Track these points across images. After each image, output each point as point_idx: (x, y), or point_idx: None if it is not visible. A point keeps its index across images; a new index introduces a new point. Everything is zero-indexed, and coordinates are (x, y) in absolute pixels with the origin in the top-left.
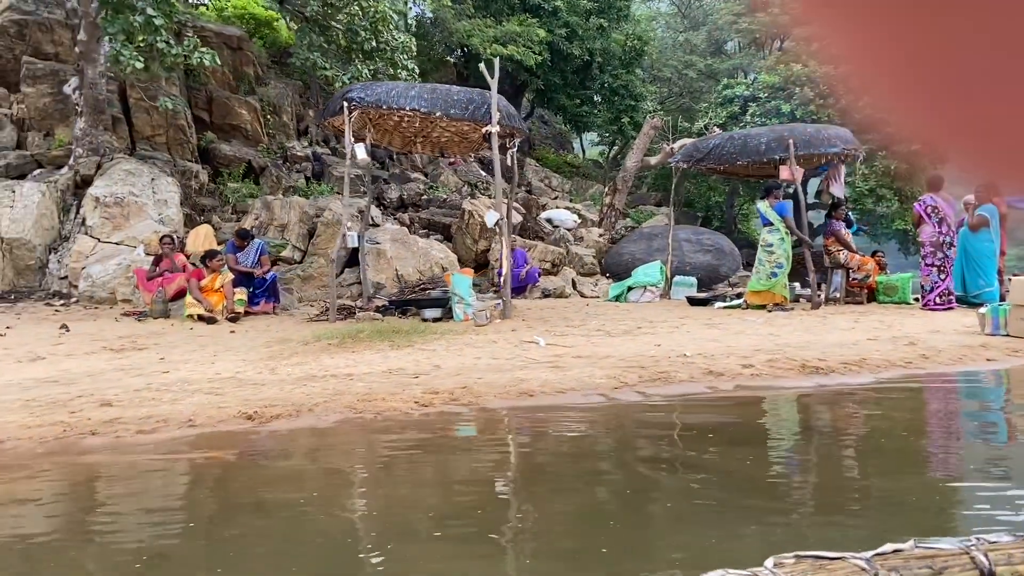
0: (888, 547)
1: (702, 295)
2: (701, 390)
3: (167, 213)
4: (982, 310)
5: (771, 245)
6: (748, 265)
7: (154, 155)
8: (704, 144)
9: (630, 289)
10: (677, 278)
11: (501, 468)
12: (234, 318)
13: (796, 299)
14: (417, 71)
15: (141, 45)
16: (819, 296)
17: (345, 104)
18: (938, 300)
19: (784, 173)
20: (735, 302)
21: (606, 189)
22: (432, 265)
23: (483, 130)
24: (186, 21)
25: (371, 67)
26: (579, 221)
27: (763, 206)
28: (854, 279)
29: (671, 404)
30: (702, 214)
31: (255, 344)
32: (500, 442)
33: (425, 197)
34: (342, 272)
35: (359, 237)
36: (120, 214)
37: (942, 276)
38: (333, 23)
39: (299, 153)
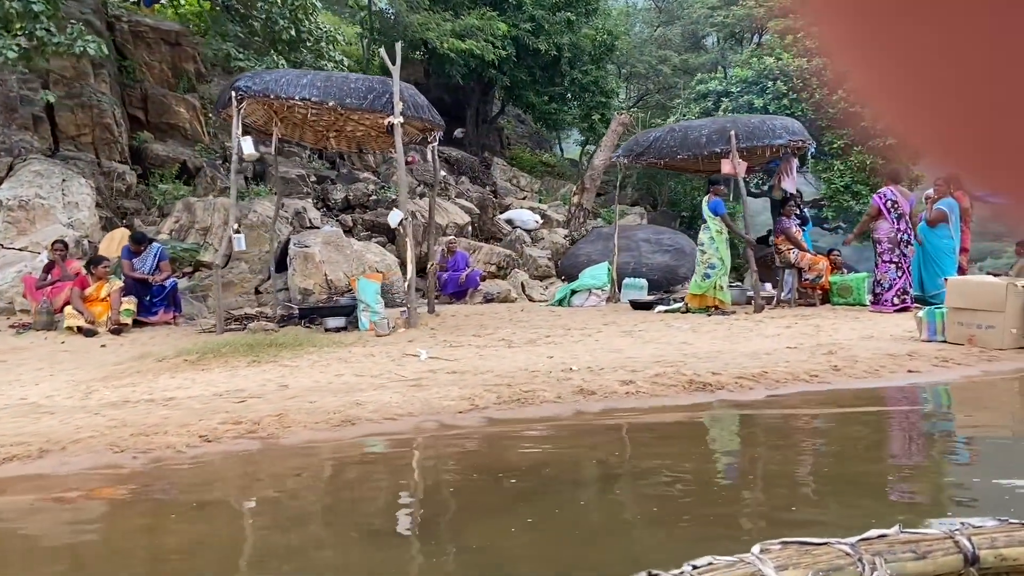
0: (874, 532)
1: (647, 299)
2: (559, 413)
3: (78, 216)
4: (920, 313)
5: (703, 244)
6: None
7: (78, 155)
8: (644, 137)
9: (574, 293)
10: (627, 280)
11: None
12: (117, 330)
13: (749, 300)
14: (346, 63)
15: (19, 34)
16: (762, 301)
17: (233, 94)
18: (895, 300)
19: (726, 167)
20: (676, 306)
21: (574, 188)
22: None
23: (385, 122)
24: (71, 11)
25: (297, 58)
26: (540, 222)
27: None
28: (806, 279)
29: (500, 433)
30: (688, 214)
31: (109, 361)
32: (227, 506)
33: (374, 198)
34: (268, 277)
35: (290, 242)
36: (25, 218)
37: (899, 274)
38: (253, 12)
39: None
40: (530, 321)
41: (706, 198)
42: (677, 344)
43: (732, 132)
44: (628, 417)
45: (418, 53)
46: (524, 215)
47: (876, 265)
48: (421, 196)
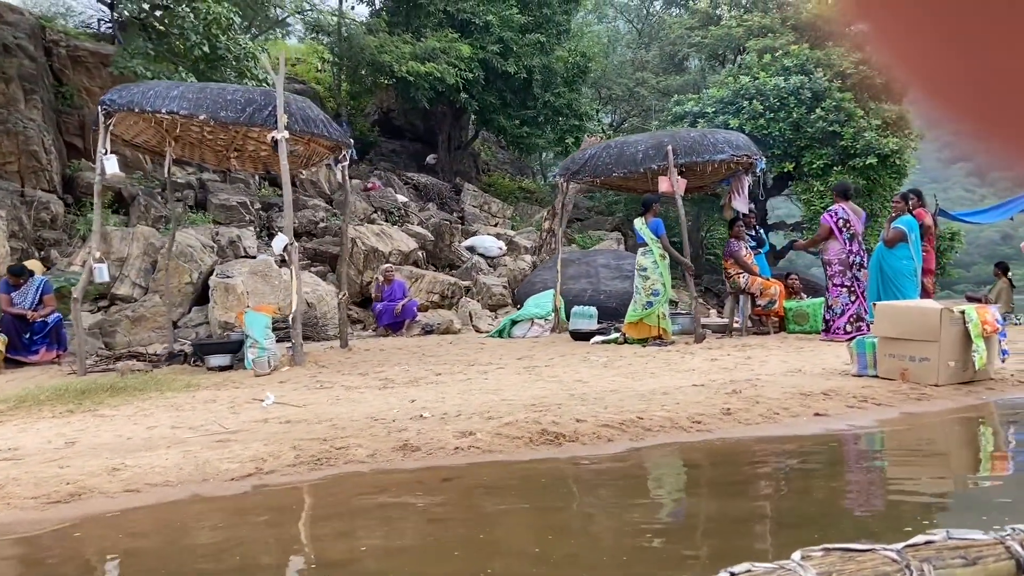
0: (920, 538)
1: (588, 329)
2: (354, 472)
3: None
4: (851, 343)
5: (645, 269)
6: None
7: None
8: (581, 155)
9: (515, 323)
10: (575, 309)
11: None
12: None
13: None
14: (270, 81)
15: None
16: (704, 331)
17: (100, 110)
18: (848, 327)
19: (663, 185)
20: (613, 336)
21: (545, 214)
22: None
23: (268, 137)
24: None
25: (218, 77)
26: (504, 249)
27: (638, 224)
28: (758, 306)
29: (234, 507)
30: (678, 239)
31: None
32: None
33: (323, 225)
34: (190, 311)
35: (213, 273)
36: None
37: (852, 299)
38: (167, 27)
39: (179, 180)
40: (445, 356)
41: (642, 219)
42: (571, 382)
43: (669, 147)
44: (427, 481)
45: (384, 79)
46: (487, 242)
47: (827, 289)
48: (371, 222)
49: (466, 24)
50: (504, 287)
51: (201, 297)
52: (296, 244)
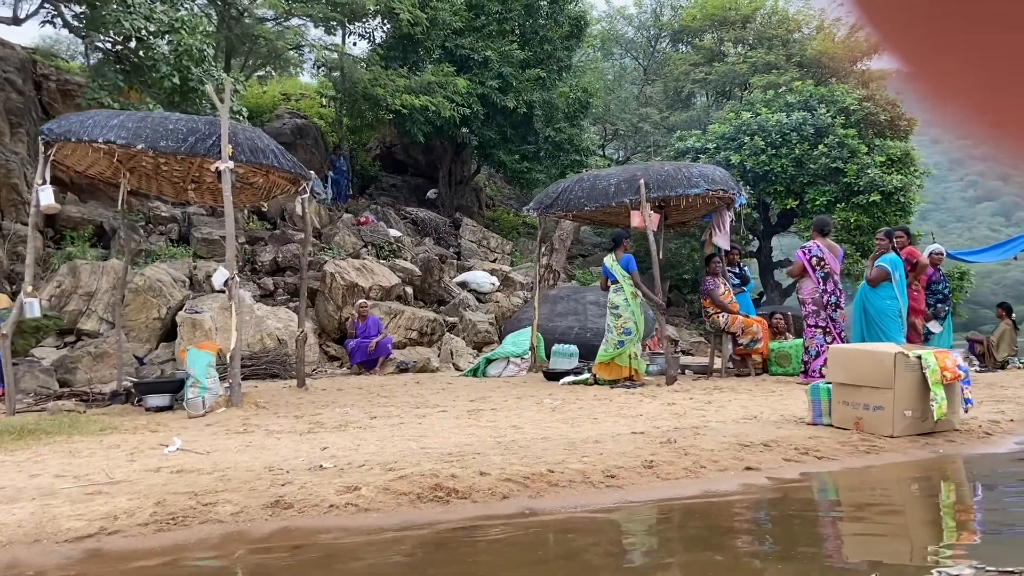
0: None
1: (561, 369)
2: (203, 537)
3: None
4: (807, 390)
5: (616, 307)
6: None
7: None
8: (555, 189)
9: (490, 362)
10: (555, 347)
11: None
12: None
13: (683, 370)
14: (244, 114)
15: None
16: (674, 372)
17: (40, 140)
18: (823, 369)
19: (635, 220)
20: (583, 377)
21: (543, 250)
22: (264, 336)
23: (212, 167)
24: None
25: (192, 109)
26: (496, 284)
27: (608, 260)
28: (739, 345)
29: None
30: (689, 276)
31: None
32: None
33: (310, 260)
34: (157, 347)
35: (183, 309)
36: None
37: (828, 340)
38: (142, 60)
39: (164, 214)
40: (398, 397)
41: (612, 255)
42: (506, 428)
43: (642, 181)
44: (276, 548)
45: (380, 113)
46: (480, 277)
47: (803, 330)
48: (356, 257)
49: (465, 60)
50: (491, 324)
51: (170, 333)
52: (238, 278)
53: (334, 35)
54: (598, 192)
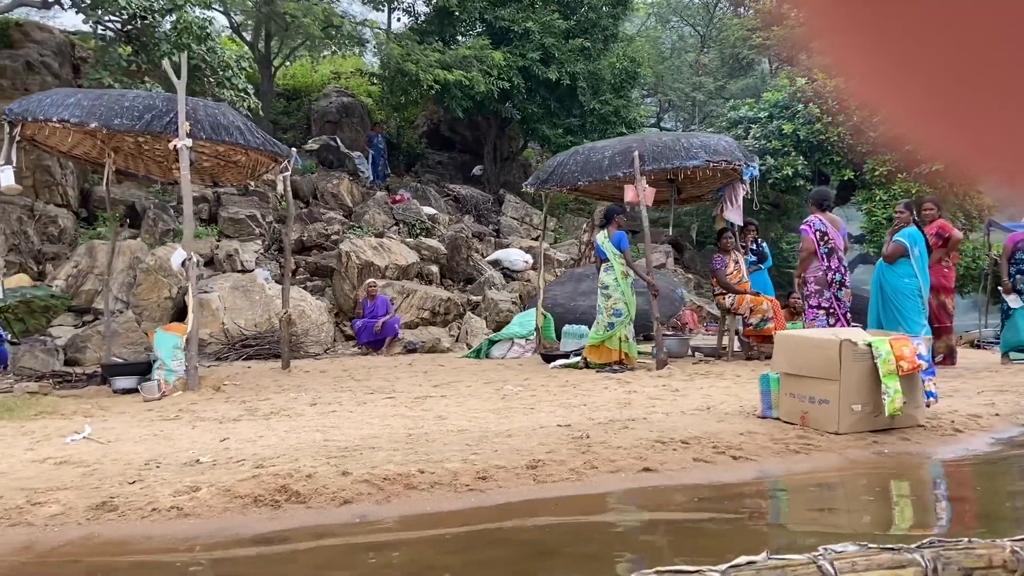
0: (742, 559)
1: (567, 351)
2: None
3: None
4: (759, 380)
5: (607, 288)
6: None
7: (11, 199)
8: (551, 163)
9: (493, 343)
10: (566, 328)
11: None
12: None
13: (693, 353)
14: (251, 90)
15: None
16: (663, 356)
17: (3, 119)
18: None
19: (628, 194)
20: (573, 360)
21: (584, 226)
22: (272, 316)
23: (170, 145)
24: None
25: (198, 88)
26: (530, 262)
27: (600, 237)
28: (748, 326)
29: None
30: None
31: None
32: None
33: (335, 238)
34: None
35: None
36: None
37: (832, 322)
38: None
39: (195, 193)
40: (367, 380)
41: (604, 232)
42: (432, 418)
43: (636, 154)
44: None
45: (416, 90)
46: (513, 255)
47: (805, 311)
48: (379, 235)
49: (505, 32)
50: (514, 303)
51: (181, 312)
52: (195, 259)
53: (381, 11)
54: (592, 166)
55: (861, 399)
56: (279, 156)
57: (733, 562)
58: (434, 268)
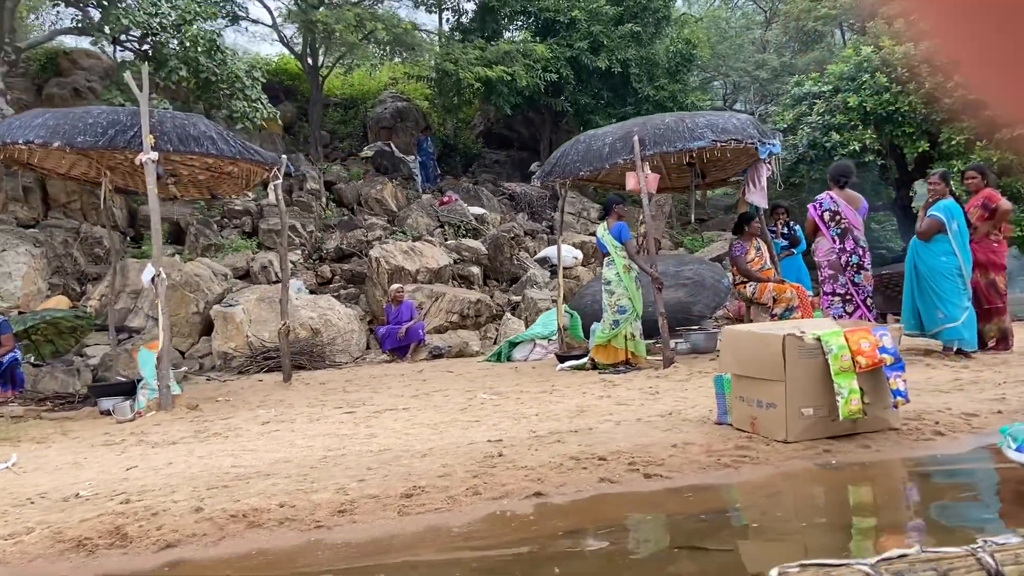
0: (894, 552)
1: (571, 353)
2: None
3: (7, 288)
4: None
5: (609, 283)
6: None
7: (60, 222)
8: (555, 155)
9: (514, 345)
10: (595, 326)
11: None
12: None
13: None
14: (264, 100)
15: None
16: (670, 354)
17: None
18: None
19: (630, 182)
20: (582, 361)
21: (640, 218)
22: (296, 327)
23: (136, 160)
24: None
25: (213, 101)
26: (579, 259)
27: (600, 230)
28: (774, 315)
29: None
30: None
31: None
32: None
33: (374, 245)
34: (198, 341)
35: (222, 301)
36: None
37: (849, 308)
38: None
39: (237, 207)
40: (358, 393)
41: (603, 224)
42: (364, 436)
43: (635, 139)
44: None
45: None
46: (561, 250)
47: (820, 298)
48: (416, 240)
49: (550, 23)
50: (555, 301)
51: (208, 327)
52: (164, 276)
53: (432, 13)
54: (593, 154)
55: (812, 402)
56: (263, 164)
57: (884, 555)
58: (475, 269)
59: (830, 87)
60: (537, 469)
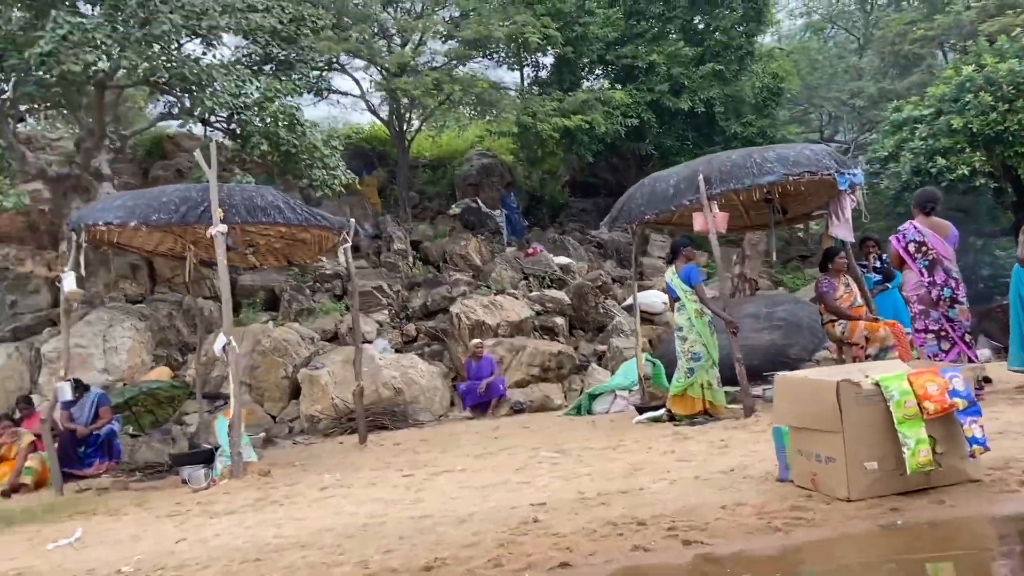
0: None
1: (657, 403)
2: None
3: (114, 361)
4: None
5: (681, 329)
6: None
7: (165, 296)
8: (620, 200)
9: (594, 397)
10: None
11: None
12: (8, 492)
13: None
14: (342, 168)
15: None
16: (750, 403)
17: (71, 232)
18: None
19: (697, 223)
20: (658, 413)
21: (735, 257)
22: (380, 387)
23: (207, 233)
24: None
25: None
26: (668, 304)
27: (668, 274)
28: (868, 356)
29: None
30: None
31: None
32: None
33: (450, 299)
34: (288, 405)
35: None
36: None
37: (945, 346)
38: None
39: (328, 271)
40: (427, 454)
41: (672, 268)
42: (411, 502)
43: (700, 177)
44: None
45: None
46: (650, 297)
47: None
48: (499, 293)
49: (629, 69)
50: (643, 350)
51: (298, 390)
52: (234, 344)
53: (515, 71)
54: (657, 196)
55: (876, 454)
56: (331, 229)
57: None
58: (559, 320)
59: (931, 110)
60: (569, 536)
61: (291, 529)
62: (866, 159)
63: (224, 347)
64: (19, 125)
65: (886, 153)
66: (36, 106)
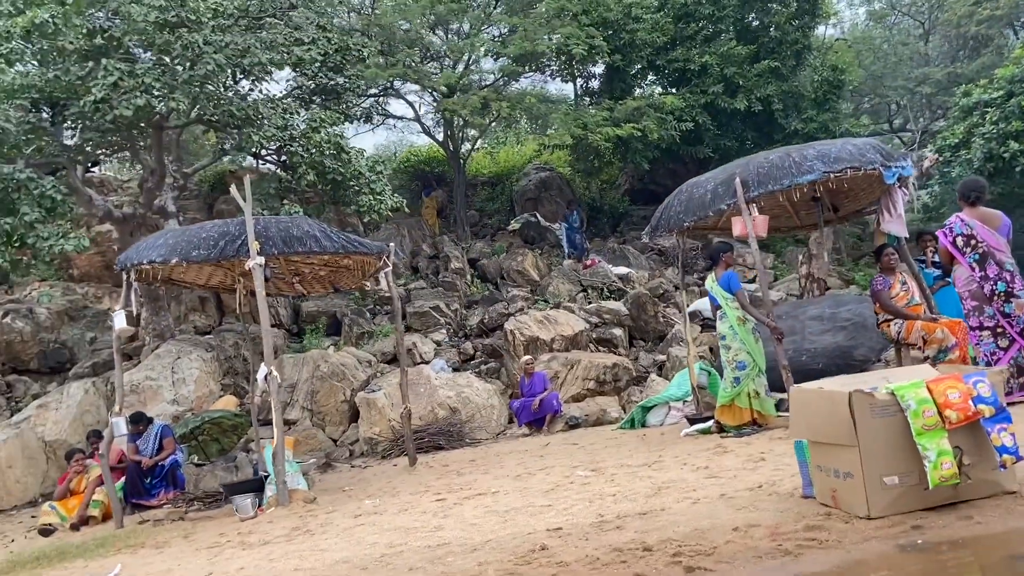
0: None
1: (703, 415)
2: None
3: (182, 392)
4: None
5: (724, 338)
6: None
7: (232, 326)
8: (659, 208)
9: (648, 410)
10: None
11: None
12: (77, 526)
13: None
14: (388, 192)
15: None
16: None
17: (120, 272)
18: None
19: (736, 228)
20: (706, 424)
21: (800, 257)
22: (435, 407)
23: (246, 266)
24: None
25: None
26: None
27: (709, 282)
28: (926, 357)
29: None
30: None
31: None
32: None
33: (505, 316)
34: (348, 428)
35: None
36: (137, 401)
37: (1004, 343)
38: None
39: (387, 294)
40: (481, 471)
41: (711, 275)
42: (433, 529)
43: (737, 180)
44: None
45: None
46: (707, 303)
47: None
48: (555, 307)
49: (681, 73)
50: (702, 357)
51: (356, 414)
52: (275, 374)
53: (567, 82)
54: (695, 202)
55: (896, 468)
56: (369, 254)
57: None
58: (618, 331)
59: (1002, 92)
60: (571, 565)
61: (311, 561)
62: (935, 147)
63: (266, 376)
64: (94, 169)
65: (956, 140)
66: (102, 151)
